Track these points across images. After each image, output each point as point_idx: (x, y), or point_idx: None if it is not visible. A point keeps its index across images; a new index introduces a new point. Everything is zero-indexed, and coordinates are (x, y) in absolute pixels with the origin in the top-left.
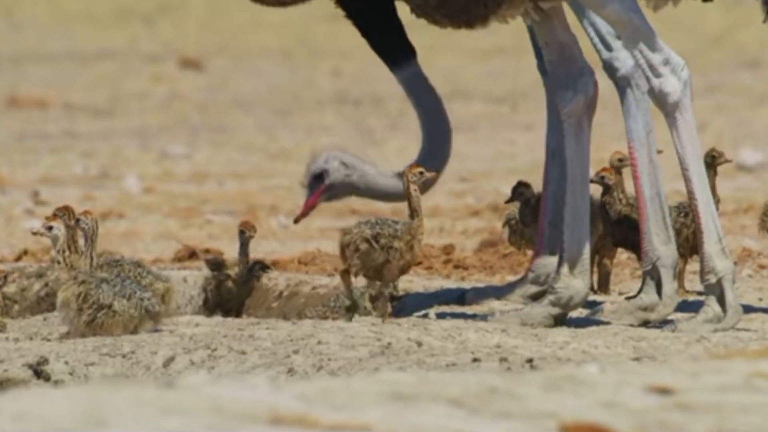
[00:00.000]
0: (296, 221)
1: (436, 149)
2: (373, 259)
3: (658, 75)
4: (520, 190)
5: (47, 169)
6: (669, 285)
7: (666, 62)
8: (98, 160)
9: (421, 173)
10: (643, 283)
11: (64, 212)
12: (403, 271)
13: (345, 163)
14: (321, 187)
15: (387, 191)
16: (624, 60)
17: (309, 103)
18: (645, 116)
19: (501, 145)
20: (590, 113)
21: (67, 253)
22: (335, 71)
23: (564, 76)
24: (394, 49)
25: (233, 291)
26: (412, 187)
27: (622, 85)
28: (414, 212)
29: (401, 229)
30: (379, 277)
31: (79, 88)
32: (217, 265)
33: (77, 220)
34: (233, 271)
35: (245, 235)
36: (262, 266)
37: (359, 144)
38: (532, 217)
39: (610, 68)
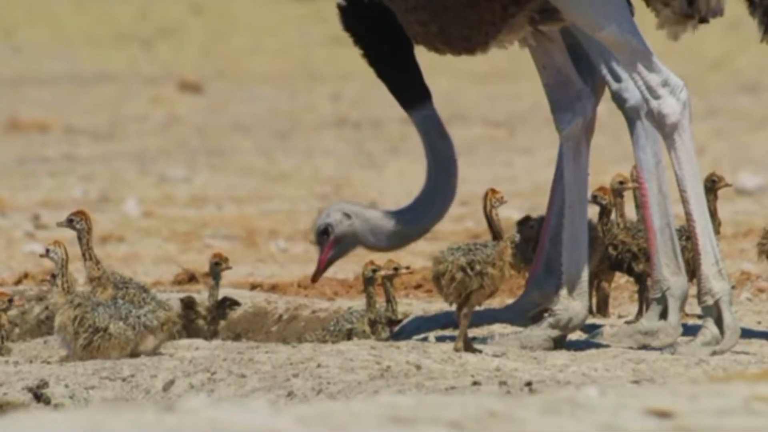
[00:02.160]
0: (313, 280)
1: (438, 193)
2: (467, 287)
3: (656, 96)
4: (531, 223)
5: (47, 193)
6: (674, 315)
7: (665, 84)
8: (98, 184)
9: (501, 198)
10: (641, 305)
11: (81, 217)
12: (491, 294)
13: (346, 212)
14: (328, 241)
15: (396, 231)
16: (633, 91)
17: (308, 126)
18: (654, 146)
19: (500, 168)
20: (588, 136)
21: (84, 261)
22: (335, 95)
23: (562, 99)
24: (410, 91)
25: (202, 329)
26: (494, 211)
27: (631, 116)
28: (497, 235)
29: (492, 254)
30: (466, 302)
31: (79, 112)
32: (190, 304)
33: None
34: (203, 307)
35: (219, 267)
36: (231, 303)
37: (359, 167)
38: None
39: (618, 99)
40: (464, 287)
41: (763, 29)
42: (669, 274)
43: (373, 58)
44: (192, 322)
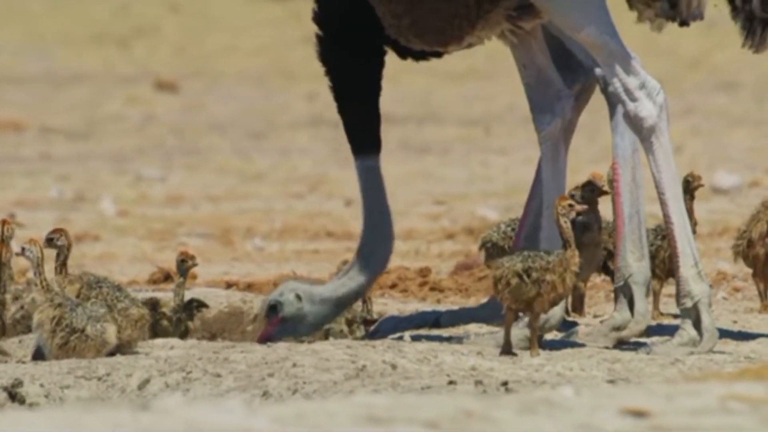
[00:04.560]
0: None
1: (376, 248)
2: (523, 293)
3: (633, 99)
4: (591, 186)
5: (23, 192)
6: (641, 302)
7: (642, 86)
8: (74, 183)
9: (570, 205)
10: (617, 301)
11: (61, 234)
12: (555, 303)
13: (299, 295)
14: (275, 318)
15: (339, 300)
16: None
17: (284, 125)
18: (633, 134)
19: (475, 167)
20: (567, 137)
21: (55, 276)
22: (310, 94)
23: (541, 100)
24: (363, 138)
25: (168, 330)
26: (562, 219)
27: (613, 101)
28: (566, 243)
29: (554, 262)
30: (530, 309)
31: (54, 111)
32: (153, 305)
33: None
34: (168, 308)
35: (185, 264)
36: (198, 304)
37: (334, 166)
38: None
39: (603, 83)
40: (520, 293)
41: (744, 34)
42: (633, 260)
43: (340, 95)
44: (157, 322)
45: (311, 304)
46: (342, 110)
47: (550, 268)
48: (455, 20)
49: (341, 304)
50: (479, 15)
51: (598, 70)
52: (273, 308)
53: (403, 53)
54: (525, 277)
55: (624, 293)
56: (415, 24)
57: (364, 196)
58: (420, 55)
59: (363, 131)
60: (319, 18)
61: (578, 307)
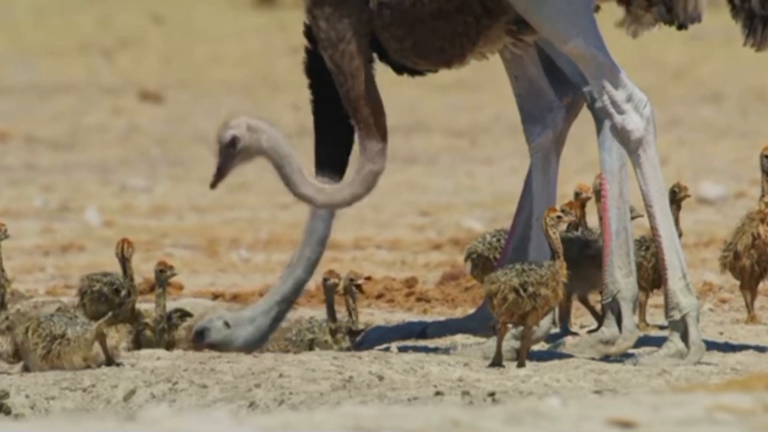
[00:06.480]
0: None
1: (309, 258)
2: (520, 308)
3: (621, 112)
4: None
5: (7, 202)
6: (629, 318)
7: (629, 99)
8: (58, 194)
9: (558, 217)
10: (604, 316)
11: None
12: (545, 314)
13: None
14: (202, 344)
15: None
16: None
17: None
18: (619, 149)
19: (461, 178)
20: (558, 148)
21: None
22: (296, 104)
23: (533, 111)
24: (333, 158)
25: (152, 340)
26: (551, 230)
27: (600, 116)
28: (555, 254)
29: (546, 275)
30: (522, 322)
31: (39, 121)
32: (135, 316)
33: None
34: (150, 318)
35: (164, 275)
36: (182, 314)
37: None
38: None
39: (590, 99)
40: (517, 308)
41: (746, 33)
42: (621, 276)
43: (319, 110)
44: (140, 333)
45: (241, 327)
46: (319, 124)
47: (544, 282)
48: (455, 39)
49: (284, 301)
50: (479, 31)
51: (585, 87)
52: (200, 334)
53: (399, 69)
54: (522, 291)
55: (612, 309)
56: (417, 45)
57: (312, 213)
58: (403, 69)
59: (336, 150)
60: (310, 33)
61: (565, 319)
